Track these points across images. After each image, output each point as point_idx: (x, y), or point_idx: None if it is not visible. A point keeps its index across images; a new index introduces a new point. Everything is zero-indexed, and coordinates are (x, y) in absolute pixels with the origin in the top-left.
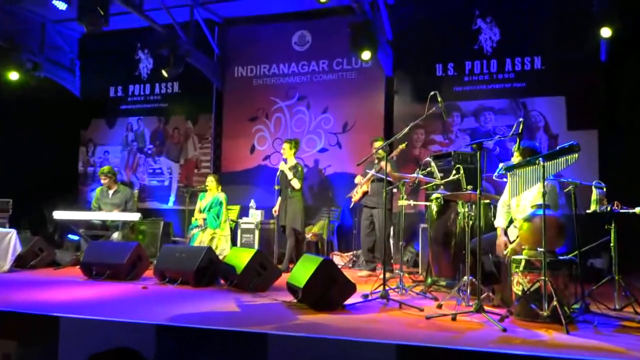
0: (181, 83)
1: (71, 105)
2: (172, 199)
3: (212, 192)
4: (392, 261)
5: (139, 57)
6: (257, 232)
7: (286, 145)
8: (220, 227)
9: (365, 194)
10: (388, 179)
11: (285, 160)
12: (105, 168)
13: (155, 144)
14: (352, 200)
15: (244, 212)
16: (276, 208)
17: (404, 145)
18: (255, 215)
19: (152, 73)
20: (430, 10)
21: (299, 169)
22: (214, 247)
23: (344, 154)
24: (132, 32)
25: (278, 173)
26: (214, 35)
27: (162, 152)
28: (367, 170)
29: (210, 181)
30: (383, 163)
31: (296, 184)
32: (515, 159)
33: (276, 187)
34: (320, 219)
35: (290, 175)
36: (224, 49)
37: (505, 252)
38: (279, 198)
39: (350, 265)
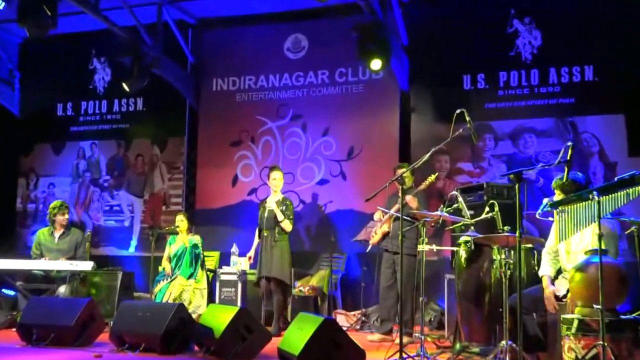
0: (146, 99)
1: (8, 126)
2: (133, 243)
3: (184, 234)
4: (411, 322)
5: (94, 67)
6: (240, 286)
7: (278, 174)
8: (195, 279)
9: (385, 235)
10: (407, 218)
11: (268, 196)
12: (58, 202)
13: (113, 175)
14: (370, 242)
15: (224, 260)
16: (251, 254)
17: (433, 177)
18: (238, 264)
19: (110, 86)
20: (454, 10)
21: (289, 205)
22: (186, 304)
23: (349, 187)
24: (86, 36)
25: (265, 213)
26: (187, 40)
27: (121, 184)
28: (385, 210)
29: (182, 221)
30: (408, 197)
31: (288, 226)
32: (557, 197)
33: (265, 233)
34: (319, 269)
35: (280, 216)
36: (200, 56)
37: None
38: (257, 241)
39: (358, 327)
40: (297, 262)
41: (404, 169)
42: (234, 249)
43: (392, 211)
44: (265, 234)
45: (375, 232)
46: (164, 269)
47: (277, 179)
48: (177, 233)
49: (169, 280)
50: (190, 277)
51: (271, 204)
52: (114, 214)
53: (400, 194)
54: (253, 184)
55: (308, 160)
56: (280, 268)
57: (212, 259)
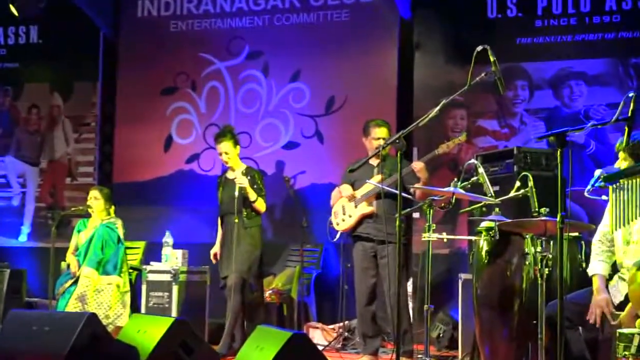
0: (43, 28)
1: None
2: (25, 230)
3: (98, 216)
4: (410, 338)
5: None
6: (175, 289)
7: (227, 143)
8: (115, 273)
9: (363, 219)
10: (404, 194)
11: (229, 169)
12: None
13: None
14: (338, 229)
15: (152, 254)
16: (217, 249)
17: (464, 136)
18: (172, 259)
19: None
20: None
21: (257, 176)
22: (102, 314)
23: (328, 153)
24: None
25: (230, 192)
26: None
27: (7, 147)
28: (374, 183)
29: (95, 199)
30: (418, 165)
31: (262, 205)
32: (621, 162)
33: (233, 219)
34: (286, 266)
35: (253, 194)
36: None
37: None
38: (221, 231)
39: (339, 345)
40: None
41: (383, 129)
42: (168, 237)
43: (383, 185)
44: (234, 220)
45: (343, 213)
46: (68, 265)
47: (228, 154)
48: (88, 216)
49: (76, 276)
50: (103, 268)
51: (241, 179)
52: None
53: (398, 160)
54: (194, 147)
55: (271, 115)
56: (245, 264)
57: (135, 252)
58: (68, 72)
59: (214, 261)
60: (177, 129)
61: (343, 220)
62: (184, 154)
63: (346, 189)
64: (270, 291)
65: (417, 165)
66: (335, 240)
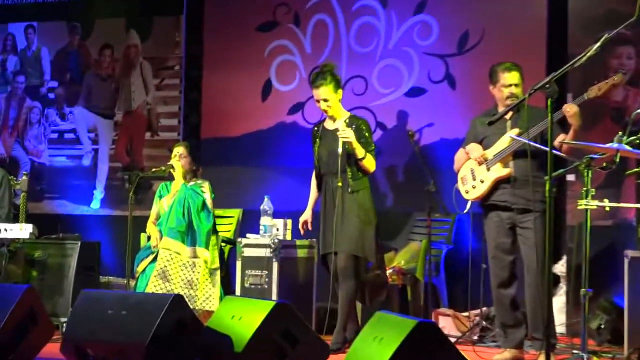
0: None
1: None
2: (98, 195)
3: (183, 179)
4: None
5: None
6: (276, 266)
7: (327, 88)
8: (205, 249)
9: (498, 184)
10: (556, 152)
11: (327, 118)
12: None
13: (63, 80)
14: (468, 198)
15: (249, 225)
16: (307, 217)
17: (619, 77)
18: (273, 230)
19: None
20: None
21: (364, 126)
22: (189, 295)
23: (462, 101)
24: None
25: (330, 146)
26: None
27: (77, 96)
28: (518, 138)
29: (181, 156)
30: (572, 108)
31: (371, 163)
32: None
33: (336, 182)
34: (409, 241)
35: (361, 151)
36: None
37: None
38: (316, 194)
39: (476, 337)
40: None
41: (515, 73)
42: (267, 205)
43: (513, 135)
44: (337, 184)
45: (472, 179)
46: (149, 237)
47: (328, 100)
48: (172, 179)
49: (157, 250)
50: (188, 240)
51: (345, 132)
52: (65, 145)
53: (549, 109)
54: (298, 95)
55: (391, 55)
56: (360, 237)
57: (228, 222)
58: (147, 5)
59: (301, 231)
60: (278, 74)
61: (474, 188)
62: (285, 103)
63: (475, 149)
64: (390, 270)
65: (571, 109)
66: (466, 212)
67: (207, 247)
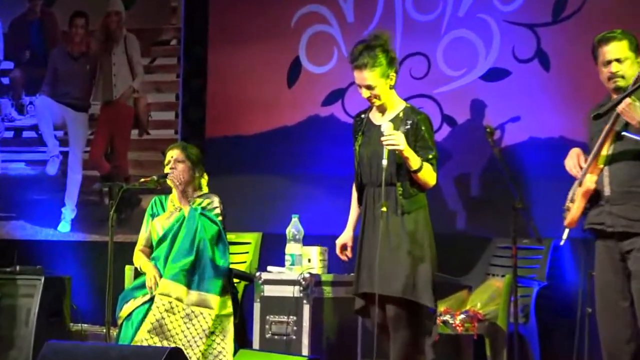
0: None
1: None
2: (68, 214)
3: (182, 194)
4: None
5: None
6: (307, 310)
7: (372, 73)
8: (217, 296)
9: (591, 201)
10: None
11: (375, 107)
12: None
13: (20, 59)
14: (566, 222)
15: (271, 255)
16: (347, 239)
17: None
18: (303, 261)
19: None
20: None
21: (424, 125)
22: (190, 350)
23: (559, 87)
24: None
25: (374, 149)
26: None
27: (39, 81)
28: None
29: (178, 162)
30: None
31: (430, 176)
32: None
33: (383, 207)
34: (487, 276)
35: (416, 160)
36: None
37: None
38: (358, 209)
39: None
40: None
41: (624, 43)
42: (295, 228)
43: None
44: (380, 202)
45: (572, 198)
46: (137, 270)
47: (374, 87)
48: (167, 192)
49: (152, 294)
50: (195, 282)
51: (390, 134)
52: (24, 147)
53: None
54: (336, 78)
55: (461, 25)
56: (410, 274)
57: (243, 250)
58: None
59: (342, 257)
60: (309, 50)
61: (567, 209)
62: (319, 90)
63: (573, 154)
64: (462, 315)
65: None
66: (561, 243)
67: (221, 295)
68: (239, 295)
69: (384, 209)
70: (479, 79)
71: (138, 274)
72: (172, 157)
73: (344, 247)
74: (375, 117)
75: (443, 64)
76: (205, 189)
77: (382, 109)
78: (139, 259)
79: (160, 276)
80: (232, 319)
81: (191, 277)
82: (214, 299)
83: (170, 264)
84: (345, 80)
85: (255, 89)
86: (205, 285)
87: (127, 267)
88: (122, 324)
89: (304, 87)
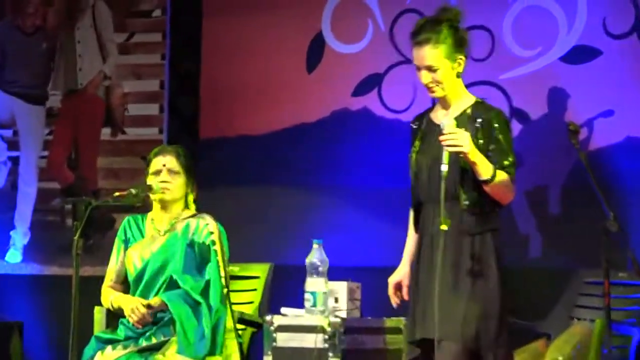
0: None
1: None
2: (18, 239)
3: (168, 211)
4: None
5: None
6: None
7: (436, 50)
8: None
9: None
10: None
11: (437, 104)
12: None
13: None
14: None
15: (285, 293)
16: (402, 275)
17: None
18: (328, 302)
19: None
20: None
21: (499, 127)
22: None
23: None
24: None
25: (434, 157)
26: None
27: None
28: None
29: (169, 172)
30: None
31: (507, 186)
32: None
33: (442, 223)
34: (572, 320)
35: (485, 167)
36: None
37: None
38: (414, 237)
39: None
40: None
41: None
42: (317, 257)
43: None
44: (438, 222)
45: None
46: (111, 312)
47: (437, 70)
48: (146, 209)
49: (135, 345)
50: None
51: (452, 131)
52: None
53: None
54: (370, 60)
55: None
56: (476, 314)
57: (249, 286)
58: None
59: (394, 301)
60: (335, 24)
61: None
62: (349, 75)
63: None
64: None
65: None
66: None
67: (220, 349)
68: (245, 347)
69: (444, 226)
70: (559, 60)
71: (114, 317)
72: (163, 165)
73: (397, 287)
74: (437, 115)
75: (511, 42)
76: (192, 208)
77: (445, 104)
78: (109, 295)
79: (148, 306)
80: None
81: (190, 344)
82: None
83: (182, 338)
84: (383, 62)
85: (264, 74)
86: (199, 347)
87: (97, 308)
88: None
89: (329, 72)
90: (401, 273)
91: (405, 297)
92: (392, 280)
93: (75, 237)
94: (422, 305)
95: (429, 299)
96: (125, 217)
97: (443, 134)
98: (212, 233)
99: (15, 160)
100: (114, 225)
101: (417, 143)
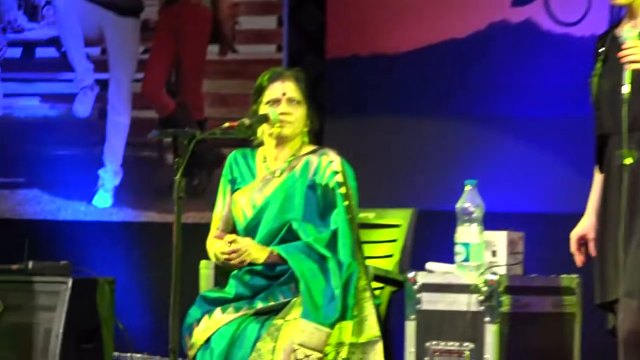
0: None
1: None
2: (108, 180)
3: (287, 145)
4: None
5: None
6: (491, 332)
7: None
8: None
9: None
10: None
11: (626, 16)
12: None
13: None
14: None
15: (431, 245)
16: (586, 228)
17: None
18: (484, 255)
19: None
20: None
21: None
22: None
23: None
24: None
25: (611, 81)
26: None
27: None
28: None
29: (288, 102)
30: None
31: None
32: None
33: (626, 155)
34: None
35: None
36: None
37: None
38: (599, 182)
39: None
40: None
41: None
42: (470, 200)
43: None
44: (622, 156)
45: None
46: (220, 267)
47: None
48: (254, 144)
49: (249, 307)
50: (329, 312)
51: (626, 34)
52: (37, 72)
53: None
54: None
55: None
56: None
57: (387, 237)
58: None
59: (578, 258)
60: None
61: None
62: None
63: None
64: None
65: None
66: None
67: (352, 314)
68: (383, 309)
69: (629, 159)
70: None
71: (222, 274)
72: (283, 93)
73: (581, 241)
74: (623, 30)
75: None
76: (312, 142)
77: (633, 14)
78: (212, 245)
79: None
80: (380, 344)
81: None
82: (346, 327)
83: (307, 303)
84: None
85: None
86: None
87: (203, 262)
88: (196, 355)
89: None
90: (585, 225)
91: (593, 252)
92: (575, 233)
93: (177, 177)
94: (606, 260)
95: (612, 252)
96: (231, 150)
97: (625, 46)
98: (337, 173)
99: (103, 85)
100: (222, 163)
101: (598, 65)
